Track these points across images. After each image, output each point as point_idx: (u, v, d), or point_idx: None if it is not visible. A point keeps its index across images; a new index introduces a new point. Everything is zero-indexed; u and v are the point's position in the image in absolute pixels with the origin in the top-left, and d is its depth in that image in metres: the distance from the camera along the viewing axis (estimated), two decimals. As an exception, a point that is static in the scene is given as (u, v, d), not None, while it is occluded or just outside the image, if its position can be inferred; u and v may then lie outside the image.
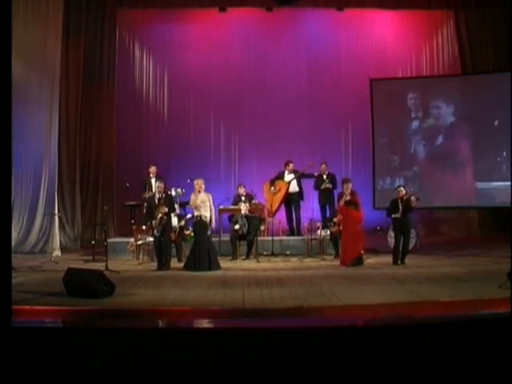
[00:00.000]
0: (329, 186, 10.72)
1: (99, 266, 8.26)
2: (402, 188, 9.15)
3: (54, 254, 10.04)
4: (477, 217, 12.41)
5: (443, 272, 8.01)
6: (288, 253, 10.09)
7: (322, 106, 12.67)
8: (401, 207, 8.96)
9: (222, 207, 10.41)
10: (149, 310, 5.82)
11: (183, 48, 12.71)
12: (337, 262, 9.27)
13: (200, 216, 8.61)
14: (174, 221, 9.29)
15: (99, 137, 12.24)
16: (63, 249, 10.77)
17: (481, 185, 10.83)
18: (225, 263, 9.28)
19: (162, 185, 8.97)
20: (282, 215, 11.03)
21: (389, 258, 9.18)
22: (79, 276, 6.69)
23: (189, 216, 9.50)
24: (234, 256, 9.65)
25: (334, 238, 9.73)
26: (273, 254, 10.03)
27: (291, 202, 10.82)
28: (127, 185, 10.75)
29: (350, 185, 9.14)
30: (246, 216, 9.73)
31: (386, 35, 12.90)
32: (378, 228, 11.08)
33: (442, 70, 12.80)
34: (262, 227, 10.34)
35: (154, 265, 8.82)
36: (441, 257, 9.53)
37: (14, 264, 7.34)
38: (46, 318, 5.34)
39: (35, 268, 8.82)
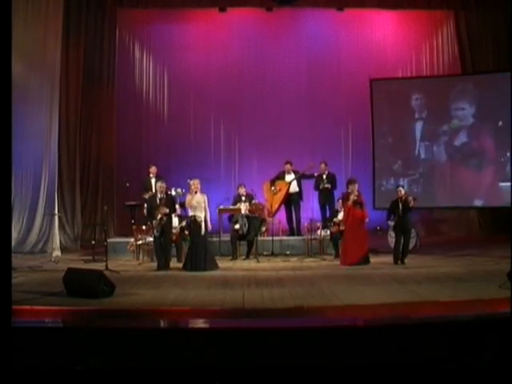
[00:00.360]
0: (327, 185, 10.72)
1: (99, 266, 8.26)
2: (401, 188, 9.19)
3: (54, 254, 10.04)
4: (477, 217, 12.41)
5: (443, 272, 8.02)
6: (288, 253, 10.10)
7: (322, 106, 12.67)
8: (400, 207, 9.01)
9: (222, 207, 10.42)
10: (149, 309, 5.82)
11: (183, 48, 12.71)
12: (337, 262, 9.28)
13: (194, 216, 8.61)
14: (175, 221, 9.30)
15: (99, 137, 12.24)
16: (63, 249, 10.78)
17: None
18: (225, 263, 9.28)
19: (163, 185, 8.96)
20: (282, 215, 11.03)
21: (389, 258, 9.18)
22: (79, 276, 6.69)
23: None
24: (234, 256, 9.66)
25: (334, 238, 9.74)
26: (273, 254, 10.03)
27: (291, 202, 10.82)
28: (127, 185, 10.75)
29: (357, 185, 9.15)
30: (247, 216, 9.73)
31: (386, 35, 12.90)
32: (378, 228, 11.08)
33: (441, 70, 12.81)
34: (264, 228, 10.34)
35: (154, 265, 8.82)
36: (441, 257, 9.53)
37: (14, 264, 7.33)
38: (45, 318, 5.34)
39: (35, 268, 8.81)
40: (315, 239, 10.01)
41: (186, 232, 9.22)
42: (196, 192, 8.71)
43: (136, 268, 8.94)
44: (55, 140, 10.84)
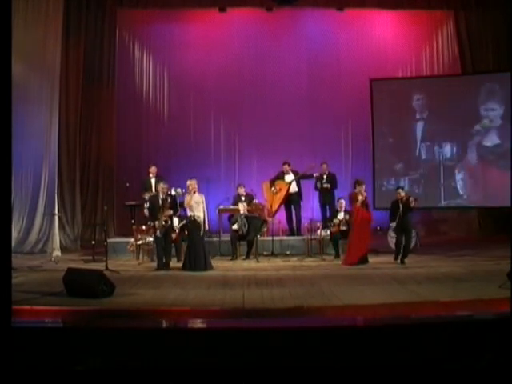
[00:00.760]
0: (326, 185, 10.73)
1: (99, 266, 8.26)
2: (400, 190, 9.22)
3: (54, 254, 10.04)
4: (477, 217, 12.41)
5: (443, 272, 8.02)
6: (288, 253, 10.10)
7: (322, 106, 12.67)
8: (401, 208, 9.04)
9: (221, 207, 10.42)
10: (149, 309, 5.82)
11: (183, 48, 12.71)
12: (337, 262, 9.30)
13: (193, 216, 8.62)
14: (175, 221, 9.30)
15: (99, 137, 12.24)
16: (63, 249, 10.77)
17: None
18: (225, 263, 9.30)
19: (166, 186, 8.96)
20: (282, 215, 11.03)
21: (389, 258, 9.21)
22: (79, 276, 6.69)
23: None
24: (234, 256, 9.66)
25: (334, 238, 9.75)
26: (273, 254, 10.03)
27: (291, 202, 10.83)
28: (127, 185, 10.74)
29: (364, 186, 9.18)
30: (246, 216, 9.73)
31: (385, 35, 12.89)
32: (378, 228, 11.08)
33: (441, 69, 12.80)
34: (265, 228, 10.33)
35: (154, 265, 8.82)
36: (441, 257, 9.53)
37: (14, 264, 7.33)
38: (46, 318, 5.34)
39: (35, 268, 8.82)
40: (315, 239, 10.01)
41: (186, 232, 9.21)
42: (195, 192, 8.72)
43: (136, 268, 8.94)
44: (55, 140, 10.84)
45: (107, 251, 8.68)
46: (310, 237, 10.02)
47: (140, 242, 9.63)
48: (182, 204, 9.09)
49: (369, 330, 4.23)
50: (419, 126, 11.40)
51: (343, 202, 9.97)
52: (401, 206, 9.07)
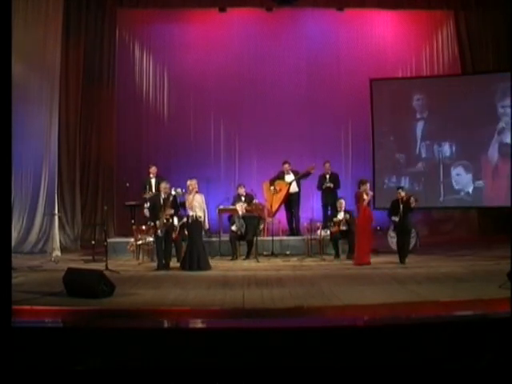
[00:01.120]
0: (329, 185, 10.75)
1: (99, 266, 8.26)
2: (401, 190, 9.24)
3: (53, 254, 10.04)
4: (477, 217, 12.41)
5: (443, 272, 8.02)
6: (288, 253, 10.10)
7: (322, 106, 12.66)
8: (401, 208, 9.04)
9: (221, 207, 10.42)
10: (149, 309, 5.82)
11: (183, 48, 12.71)
12: (337, 262, 9.33)
13: (195, 216, 8.62)
14: (175, 220, 9.29)
15: (99, 137, 12.24)
16: (63, 249, 10.77)
17: (480, 183, 10.98)
18: (225, 263, 9.30)
19: (167, 186, 8.97)
20: (282, 215, 11.03)
21: (389, 258, 9.22)
22: (79, 276, 6.69)
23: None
24: (233, 256, 9.66)
25: (334, 238, 9.76)
26: (273, 254, 10.03)
27: (291, 201, 10.83)
28: (127, 185, 10.74)
29: (368, 185, 9.23)
30: (244, 216, 9.72)
31: (385, 35, 12.89)
32: (378, 228, 11.08)
33: (442, 69, 12.80)
34: (261, 226, 10.32)
35: (154, 265, 8.82)
36: (441, 257, 9.53)
37: (14, 264, 7.33)
38: (46, 318, 5.34)
39: (35, 268, 8.82)
40: (315, 239, 10.01)
41: (186, 232, 9.21)
42: (197, 192, 8.74)
43: (136, 268, 8.94)
44: (55, 140, 10.84)
45: (107, 251, 8.68)
46: (309, 237, 10.02)
47: (140, 242, 9.63)
48: (182, 204, 9.09)
49: (369, 330, 4.23)
50: (419, 126, 11.42)
51: (343, 201, 9.99)
52: (401, 205, 9.08)
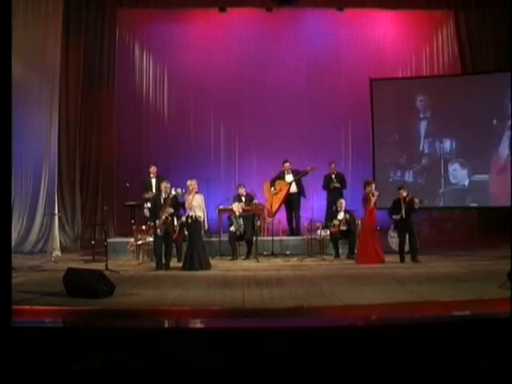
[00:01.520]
0: (337, 185, 10.78)
1: (99, 266, 8.26)
2: (402, 191, 9.25)
3: (53, 254, 10.04)
4: (477, 217, 12.40)
5: (443, 272, 8.02)
6: (288, 253, 10.10)
7: (322, 106, 12.66)
8: (403, 208, 9.06)
9: (221, 207, 10.41)
10: (149, 309, 5.82)
11: (183, 48, 12.70)
12: (337, 262, 9.35)
13: (195, 216, 8.63)
14: (175, 221, 9.29)
15: (99, 137, 12.24)
16: (63, 249, 10.78)
17: (477, 177, 11.20)
18: (225, 263, 9.30)
19: (168, 185, 8.97)
20: (282, 215, 11.04)
21: (388, 258, 9.20)
22: (79, 276, 6.69)
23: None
24: (233, 256, 9.66)
25: (334, 238, 9.77)
26: (273, 254, 10.04)
27: (291, 201, 10.83)
28: (127, 185, 10.74)
29: (374, 186, 9.28)
30: (241, 216, 9.72)
31: (386, 35, 12.89)
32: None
33: (442, 69, 12.80)
34: (258, 222, 10.26)
35: (154, 265, 8.81)
36: (441, 257, 9.54)
37: (14, 264, 7.33)
38: (45, 318, 5.34)
39: (35, 268, 8.82)
40: (315, 239, 10.01)
41: (186, 232, 9.22)
42: (196, 192, 8.74)
43: (136, 268, 8.94)
44: (55, 140, 10.84)
45: (107, 251, 8.67)
46: (310, 237, 10.02)
47: (140, 242, 9.63)
48: (182, 204, 9.10)
49: (369, 330, 4.23)
50: (423, 125, 11.61)
51: (343, 201, 10.02)
52: (403, 205, 9.09)
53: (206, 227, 9.19)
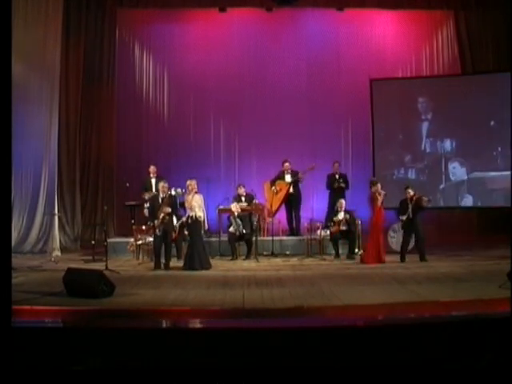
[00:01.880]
0: (342, 185, 10.78)
1: (99, 265, 8.26)
2: (409, 190, 9.26)
3: (53, 254, 10.04)
4: (477, 217, 12.40)
5: (443, 272, 8.02)
6: (288, 253, 10.10)
7: (322, 106, 12.66)
8: (410, 207, 9.10)
9: (221, 207, 10.41)
10: (149, 309, 5.82)
11: (183, 48, 12.70)
12: (337, 262, 9.35)
13: (195, 216, 8.63)
14: (174, 221, 9.29)
15: (99, 137, 12.24)
16: (63, 249, 10.78)
17: (479, 174, 11.33)
18: (225, 263, 9.30)
19: (166, 185, 8.97)
20: (282, 215, 11.04)
21: (389, 258, 9.20)
22: (79, 276, 6.69)
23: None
24: (233, 256, 9.66)
25: (334, 238, 9.77)
26: (273, 254, 10.04)
27: (291, 201, 10.83)
28: (127, 185, 10.75)
29: (379, 185, 9.30)
30: (240, 216, 9.72)
31: (386, 35, 12.89)
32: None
33: (441, 69, 12.80)
34: (255, 220, 10.22)
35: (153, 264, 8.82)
36: (441, 257, 9.53)
37: (14, 264, 7.33)
38: (45, 318, 5.33)
39: (35, 268, 8.81)
40: (315, 239, 10.01)
41: (186, 232, 9.22)
42: (196, 192, 8.75)
43: (136, 268, 8.94)
44: (55, 140, 10.84)
45: (107, 251, 8.67)
46: (310, 237, 10.02)
47: (140, 242, 9.63)
48: (182, 204, 9.10)
49: (369, 330, 4.23)
50: (424, 126, 11.73)
51: (343, 202, 10.02)
52: (410, 205, 9.10)
53: (206, 227, 9.18)
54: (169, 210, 8.70)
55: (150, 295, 6.62)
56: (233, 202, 10.08)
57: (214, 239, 10.22)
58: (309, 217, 10.54)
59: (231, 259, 9.60)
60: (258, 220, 10.23)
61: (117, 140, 12.35)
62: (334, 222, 9.75)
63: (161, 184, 9.05)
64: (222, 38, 12.69)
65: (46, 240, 10.54)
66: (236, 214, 9.75)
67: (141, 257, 9.67)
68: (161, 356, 3.65)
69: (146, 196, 10.08)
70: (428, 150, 11.66)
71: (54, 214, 10.55)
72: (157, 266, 8.65)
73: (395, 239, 9.80)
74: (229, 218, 10.08)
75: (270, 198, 10.68)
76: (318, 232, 10.02)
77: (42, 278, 7.91)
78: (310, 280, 7.51)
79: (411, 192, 9.22)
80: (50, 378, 3.48)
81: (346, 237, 9.77)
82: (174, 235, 9.12)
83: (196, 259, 8.51)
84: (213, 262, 9.04)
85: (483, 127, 11.18)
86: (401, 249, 9.32)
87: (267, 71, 12.73)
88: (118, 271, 8.16)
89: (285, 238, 10.69)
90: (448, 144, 11.52)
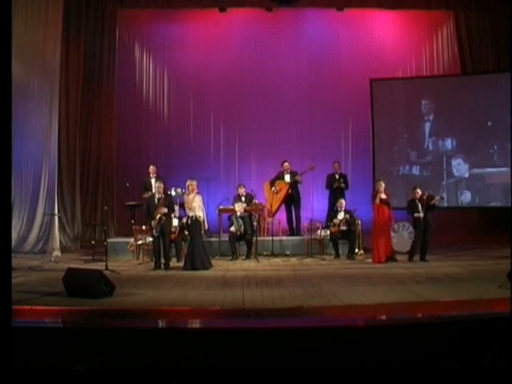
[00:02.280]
0: (342, 185, 10.78)
1: (99, 265, 8.26)
2: (418, 190, 9.28)
3: (53, 254, 10.04)
4: (477, 217, 12.41)
5: (443, 272, 8.02)
6: (288, 253, 10.10)
7: (322, 106, 12.67)
8: (420, 207, 9.13)
9: (221, 207, 10.41)
10: (149, 310, 5.82)
11: (183, 48, 12.71)
12: (337, 262, 9.34)
13: (195, 216, 8.63)
14: (175, 221, 9.30)
15: (99, 137, 12.23)
16: (63, 249, 10.77)
17: (477, 170, 11.55)
18: (225, 263, 9.30)
19: (161, 185, 8.98)
20: (282, 215, 11.03)
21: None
22: (79, 276, 6.69)
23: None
24: (233, 256, 9.66)
25: (334, 238, 9.76)
26: (273, 254, 10.04)
27: (291, 201, 10.83)
28: (127, 185, 10.75)
29: (384, 184, 9.31)
30: (242, 216, 9.72)
31: (386, 35, 12.90)
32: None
33: (441, 69, 12.82)
34: (255, 222, 10.22)
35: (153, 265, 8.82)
36: (441, 257, 9.53)
37: (14, 264, 7.34)
38: (45, 318, 5.33)
39: (35, 268, 8.81)
40: (315, 239, 10.01)
41: (186, 232, 9.22)
42: (198, 193, 8.75)
43: (136, 268, 8.95)
44: (55, 140, 10.84)
45: (107, 251, 8.68)
46: (310, 237, 10.02)
47: (140, 242, 9.63)
48: (182, 205, 9.09)
49: (369, 330, 4.23)
50: (427, 126, 11.86)
51: (343, 202, 10.02)
52: (419, 204, 9.14)
53: (206, 227, 9.19)
54: (165, 210, 8.70)
55: (150, 295, 6.62)
56: (236, 202, 10.08)
57: (214, 239, 10.22)
58: (309, 217, 10.54)
59: (231, 259, 9.60)
60: (257, 220, 10.24)
61: (117, 140, 12.35)
62: (334, 223, 9.75)
63: (156, 184, 9.06)
64: (222, 38, 12.70)
65: (46, 240, 10.53)
66: (238, 213, 9.75)
67: (141, 257, 9.67)
68: (161, 356, 3.65)
69: (146, 196, 10.08)
70: (431, 149, 11.82)
71: (53, 214, 10.55)
72: (157, 266, 8.65)
73: (395, 239, 9.79)
74: (229, 217, 10.07)
75: (269, 198, 10.69)
76: (318, 232, 10.01)
77: (42, 277, 7.91)
78: (309, 280, 7.51)
79: (419, 192, 9.25)
80: (50, 378, 3.47)
81: (346, 237, 9.77)
82: (173, 235, 9.12)
83: (197, 259, 8.52)
84: (213, 261, 9.04)
85: (481, 125, 11.32)
86: (411, 248, 9.29)
87: (267, 71, 12.73)
88: (118, 271, 8.17)
89: (285, 238, 10.69)
90: (449, 142, 11.70)
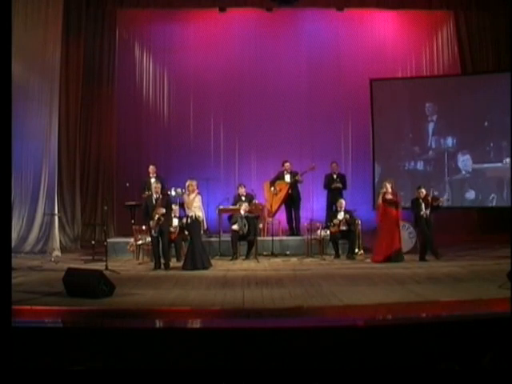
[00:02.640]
0: (339, 185, 10.78)
1: (99, 265, 8.26)
2: (422, 189, 9.33)
3: (53, 254, 10.03)
4: (477, 217, 12.41)
5: (443, 272, 8.02)
6: (288, 253, 10.10)
7: (322, 106, 12.67)
8: (423, 206, 9.20)
9: (222, 207, 10.41)
10: (149, 310, 5.82)
11: (183, 48, 12.71)
12: (337, 262, 9.34)
13: (195, 216, 8.63)
14: (175, 221, 9.30)
15: (99, 137, 12.23)
16: (63, 249, 10.76)
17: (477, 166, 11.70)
18: (225, 263, 9.30)
19: (159, 185, 8.97)
20: (282, 215, 11.04)
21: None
22: (79, 276, 6.69)
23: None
24: (234, 256, 9.65)
25: (334, 238, 9.76)
26: (273, 254, 10.03)
27: (291, 201, 10.83)
28: (127, 185, 10.75)
29: (391, 184, 9.32)
30: (246, 217, 9.72)
31: (386, 35, 12.90)
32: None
33: (441, 69, 12.82)
34: (260, 224, 10.27)
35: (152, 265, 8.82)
36: (441, 257, 9.53)
37: (14, 264, 7.33)
38: (45, 318, 5.33)
39: (35, 268, 8.81)
40: (315, 239, 10.01)
41: (186, 232, 9.22)
42: (198, 193, 8.76)
43: (136, 268, 8.95)
44: (55, 140, 10.84)
45: (107, 251, 8.68)
46: (310, 237, 10.02)
47: (140, 242, 9.63)
48: (182, 205, 9.09)
49: (369, 330, 4.23)
50: (430, 125, 11.96)
51: (343, 202, 10.03)
52: (423, 204, 9.18)
53: (205, 227, 9.19)
54: (163, 210, 8.70)
55: (150, 295, 6.62)
56: (239, 202, 10.09)
57: (214, 239, 10.22)
58: (309, 217, 10.54)
59: (231, 259, 9.60)
60: (262, 225, 10.28)
61: (117, 140, 12.35)
62: (334, 223, 9.75)
63: (154, 185, 9.06)
64: (222, 38, 12.69)
65: (46, 240, 10.52)
66: (243, 213, 9.75)
67: (141, 257, 9.67)
68: (161, 356, 3.65)
69: (144, 196, 10.08)
70: (433, 146, 11.92)
71: (53, 214, 10.54)
72: (157, 266, 8.65)
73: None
74: (229, 217, 10.07)
75: (269, 198, 10.69)
76: (318, 232, 10.01)
77: (42, 277, 7.90)
78: (309, 280, 7.51)
79: (423, 191, 9.30)
80: (50, 378, 3.48)
81: (346, 237, 9.76)
82: (173, 235, 9.12)
83: (197, 258, 8.52)
84: (213, 261, 9.04)
85: (480, 125, 11.45)
86: (422, 248, 9.30)
87: (267, 71, 12.73)
88: (118, 271, 8.16)
89: (285, 238, 10.69)
90: (450, 140, 11.84)
